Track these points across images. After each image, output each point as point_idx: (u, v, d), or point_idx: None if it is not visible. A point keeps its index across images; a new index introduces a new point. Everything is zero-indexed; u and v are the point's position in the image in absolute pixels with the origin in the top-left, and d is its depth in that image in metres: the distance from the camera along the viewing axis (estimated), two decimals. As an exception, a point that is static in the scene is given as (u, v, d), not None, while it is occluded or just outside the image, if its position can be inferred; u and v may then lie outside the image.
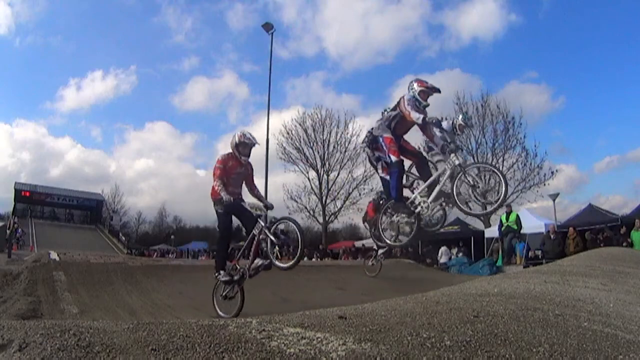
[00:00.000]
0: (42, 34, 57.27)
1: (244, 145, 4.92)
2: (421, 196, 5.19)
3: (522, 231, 11.68)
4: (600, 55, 40.08)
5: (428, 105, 5.16)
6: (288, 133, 25.62)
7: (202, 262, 15.81)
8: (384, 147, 5.16)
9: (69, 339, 1.20)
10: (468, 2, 56.97)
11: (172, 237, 41.92)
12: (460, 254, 13.54)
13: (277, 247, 4.78)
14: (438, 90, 5.10)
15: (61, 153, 60.15)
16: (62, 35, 56.88)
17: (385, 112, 6.25)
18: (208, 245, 38.08)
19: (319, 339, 1.39)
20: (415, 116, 4.83)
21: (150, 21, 57.75)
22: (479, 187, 4.82)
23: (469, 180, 4.82)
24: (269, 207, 4.87)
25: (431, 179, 5.12)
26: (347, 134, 25.40)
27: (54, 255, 5.99)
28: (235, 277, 4.81)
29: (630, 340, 1.61)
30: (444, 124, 5.53)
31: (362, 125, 25.95)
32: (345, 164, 25.06)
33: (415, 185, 5.71)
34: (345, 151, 25.16)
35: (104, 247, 30.58)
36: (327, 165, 25.24)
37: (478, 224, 16.42)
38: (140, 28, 58.80)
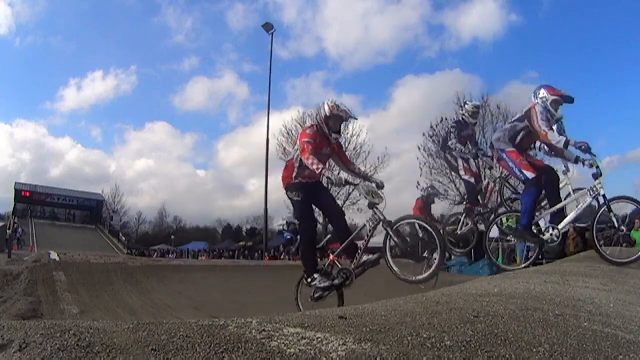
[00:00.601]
0: (42, 34, 57.70)
1: (337, 119, 3.97)
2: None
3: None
4: (600, 55, 40.19)
5: (561, 117, 4.38)
6: (288, 133, 25.65)
7: (201, 262, 15.82)
8: (510, 163, 4.31)
9: (69, 339, 1.20)
10: (468, 2, 57.23)
11: (172, 237, 41.95)
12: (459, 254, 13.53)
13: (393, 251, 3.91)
14: (571, 100, 4.29)
15: (61, 153, 60.35)
16: (62, 35, 57.16)
17: (471, 102, 5.74)
18: (208, 245, 38.13)
19: (319, 339, 1.39)
20: (555, 139, 3.99)
21: (150, 21, 57.95)
22: (622, 229, 4.14)
23: (614, 221, 4.07)
24: (380, 185, 3.98)
25: (563, 203, 4.33)
26: (347, 134, 25.41)
27: (54, 255, 6.00)
28: (336, 281, 3.93)
29: (630, 340, 1.61)
30: None
31: (362, 125, 25.98)
32: (345, 164, 25.05)
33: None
34: (345, 151, 25.15)
35: (104, 247, 30.60)
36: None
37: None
38: (140, 28, 59.00)
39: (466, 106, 5.86)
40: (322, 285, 3.94)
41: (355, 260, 3.91)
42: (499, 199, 5.87)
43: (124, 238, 35.95)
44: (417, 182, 22.45)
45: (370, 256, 3.90)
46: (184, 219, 52.19)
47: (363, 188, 3.81)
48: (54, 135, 69.69)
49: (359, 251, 3.91)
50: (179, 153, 65.97)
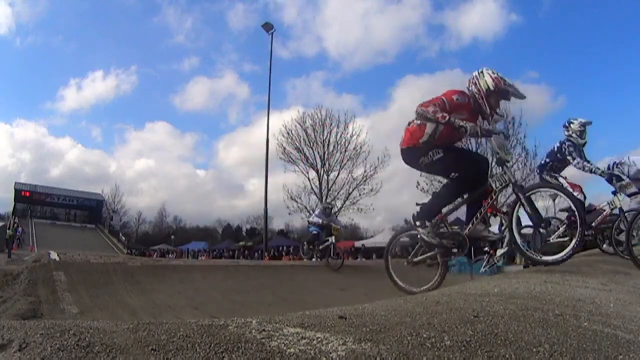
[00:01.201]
0: (43, 34, 57.92)
1: (500, 96, 3.28)
2: None
3: (522, 231, 11.64)
4: (601, 55, 40.24)
5: None
6: (288, 133, 25.74)
7: (201, 262, 15.82)
8: None
9: (69, 339, 1.20)
10: (468, 2, 57.37)
11: (172, 237, 41.98)
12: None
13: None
14: None
15: (61, 153, 60.72)
16: (62, 35, 57.43)
17: (577, 121, 5.08)
18: (208, 245, 38.18)
19: (319, 339, 1.39)
20: None
21: (150, 21, 58.16)
22: None
23: None
24: (506, 135, 3.47)
25: None
26: (347, 134, 25.47)
27: (54, 255, 5.99)
28: (445, 242, 3.33)
29: (630, 340, 1.61)
30: None
31: (362, 125, 26.05)
32: (345, 164, 25.15)
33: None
34: (345, 151, 25.24)
35: (104, 247, 30.64)
36: (327, 165, 25.32)
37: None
38: (140, 28, 59.23)
39: (572, 126, 5.27)
40: (427, 239, 3.33)
41: (470, 226, 3.31)
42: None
43: (124, 238, 36.01)
44: (417, 182, 22.51)
45: (491, 233, 3.40)
46: (184, 219, 52.43)
47: (495, 140, 3.25)
48: (54, 135, 70.18)
49: (478, 216, 3.31)
50: (179, 153, 66.32)
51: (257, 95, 58.97)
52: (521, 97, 3.37)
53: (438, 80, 47.46)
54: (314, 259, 9.73)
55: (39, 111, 67.97)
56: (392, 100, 60.75)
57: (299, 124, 25.90)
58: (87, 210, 42.27)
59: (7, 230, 18.21)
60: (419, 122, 3.40)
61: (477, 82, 3.32)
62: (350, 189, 24.89)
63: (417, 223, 3.41)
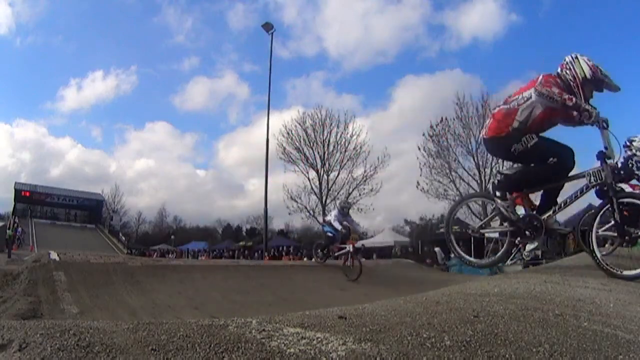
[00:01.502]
0: (43, 34, 57.79)
1: (596, 84, 3.05)
2: None
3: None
4: (601, 55, 40.23)
5: None
6: (288, 133, 25.71)
7: (201, 262, 15.81)
8: None
9: (69, 339, 1.20)
10: (468, 2, 57.31)
11: (172, 237, 41.94)
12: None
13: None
14: None
15: (61, 153, 60.66)
16: (62, 35, 57.38)
17: (638, 137, 4.98)
18: (208, 245, 38.14)
19: (319, 339, 1.39)
20: None
21: (151, 21, 58.14)
22: None
23: None
24: (606, 123, 3.06)
25: None
26: (347, 134, 25.44)
27: (54, 255, 5.98)
28: (520, 223, 3.14)
29: (630, 340, 1.61)
30: None
31: (362, 125, 26.01)
32: (345, 164, 25.12)
33: None
34: (345, 151, 25.22)
35: (104, 247, 30.61)
36: (327, 165, 25.29)
37: (477, 224, 16.45)
38: (140, 28, 59.21)
39: (634, 143, 5.20)
40: (506, 212, 3.14)
41: (550, 213, 3.11)
42: None
43: (124, 238, 35.97)
44: (417, 182, 22.50)
45: (562, 226, 3.22)
46: (184, 219, 52.32)
47: (605, 135, 2.97)
48: (54, 135, 70.12)
49: (562, 206, 3.13)
50: (179, 153, 66.32)
51: (257, 95, 58.89)
52: (616, 89, 3.11)
53: (438, 80, 47.57)
54: (313, 259, 9.57)
55: (39, 111, 67.84)
56: (392, 100, 60.80)
57: (299, 124, 25.89)
58: (87, 210, 42.20)
59: (7, 230, 18.22)
60: (506, 107, 3.20)
61: (572, 68, 3.10)
62: (350, 189, 24.87)
63: (498, 194, 3.22)
